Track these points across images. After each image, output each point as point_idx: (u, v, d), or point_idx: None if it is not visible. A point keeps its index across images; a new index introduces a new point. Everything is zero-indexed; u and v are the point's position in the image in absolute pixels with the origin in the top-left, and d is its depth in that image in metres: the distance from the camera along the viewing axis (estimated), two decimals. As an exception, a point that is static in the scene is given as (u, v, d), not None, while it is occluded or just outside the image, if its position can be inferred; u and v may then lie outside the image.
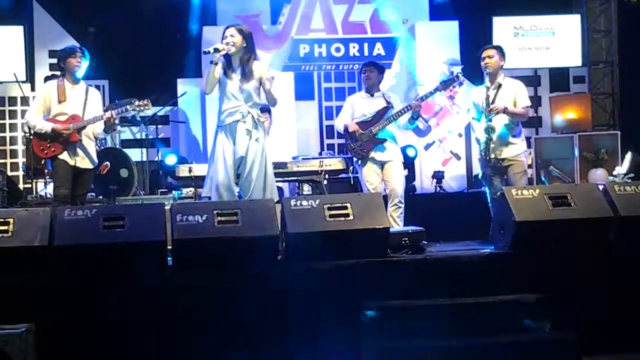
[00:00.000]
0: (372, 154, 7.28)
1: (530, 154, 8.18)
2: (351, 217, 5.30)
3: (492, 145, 6.97)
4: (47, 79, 9.53)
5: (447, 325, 4.95)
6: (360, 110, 7.43)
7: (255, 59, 6.33)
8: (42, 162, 7.39)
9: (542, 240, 5.33)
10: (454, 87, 7.79)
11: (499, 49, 7.22)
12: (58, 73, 7.20)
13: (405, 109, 7.27)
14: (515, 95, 7.09)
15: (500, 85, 7.08)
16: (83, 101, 6.75)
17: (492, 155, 6.99)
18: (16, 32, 10.18)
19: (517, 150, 7.07)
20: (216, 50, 6.15)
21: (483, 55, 7.13)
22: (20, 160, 10.28)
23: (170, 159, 9.59)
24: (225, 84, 6.23)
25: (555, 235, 5.34)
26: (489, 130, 6.94)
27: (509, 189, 5.60)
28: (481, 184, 10.02)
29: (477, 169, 10.44)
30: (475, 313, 5.02)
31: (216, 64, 6.17)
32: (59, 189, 6.62)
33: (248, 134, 6.19)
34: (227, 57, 6.25)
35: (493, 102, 6.99)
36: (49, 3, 10.58)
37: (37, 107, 6.74)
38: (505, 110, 6.93)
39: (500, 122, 6.99)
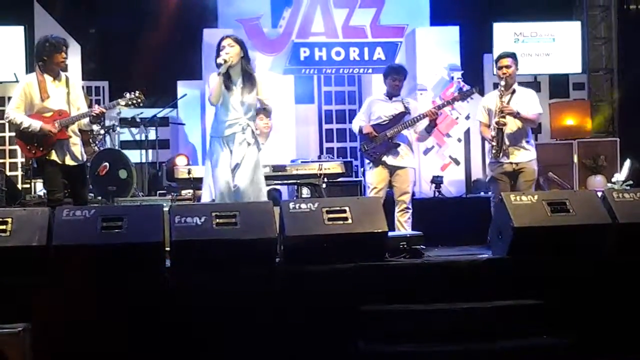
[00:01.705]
0: (385, 158, 7.25)
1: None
2: (350, 221, 5.31)
3: (504, 147, 6.97)
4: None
5: (444, 330, 4.95)
6: (377, 113, 7.39)
7: (252, 67, 6.34)
8: (30, 161, 7.18)
9: (541, 246, 5.33)
10: (472, 98, 7.76)
11: (514, 56, 7.20)
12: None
13: (421, 117, 7.26)
14: (528, 102, 7.10)
15: (514, 91, 7.10)
16: (66, 94, 6.44)
17: (505, 158, 6.99)
18: (17, 33, 10.18)
19: (530, 156, 7.08)
20: (224, 61, 6.08)
21: (500, 65, 7.11)
22: (19, 160, 10.27)
23: (181, 160, 9.57)
24: (226, 96, 6.18)
25: (553, 241, 5.34)
26: (500, 125, 6.93)
27: (508, 194, 5.60)
28: (480, 190, 10.08)
29: (476, 174, 10.53)
30: (473, 318, 5.01)
31: (223, 75, 6.11)
32: (53, 193, 6.37)
33: (247, 145, 6.16)
34: (227, 69, 6.20)
35: (508, 103, 7.02)
36: (50, 3, 10.59)
37: (18, 103, 6.35)
38: (517, 114, 6.95)
39: (511, 124, 7.00)
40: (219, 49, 6.20)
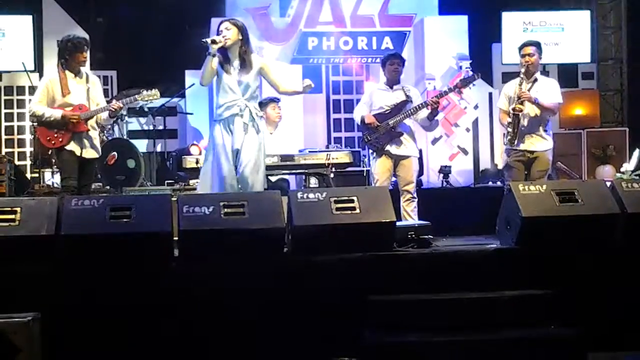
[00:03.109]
0: (388, 147, 7.23)
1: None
2: (358, 211, 5.30)
3: (521, 133, 6.96)
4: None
5: (452, 320, 4.95)
6: (378, 102, 7.36)
7: (251, 51, 6.38)
8: (49, 152, 7.38)
9: (549, 236, 5.32)
10: (473, 85, 7.76)
11: (538, 45, 7.20)
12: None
13: (422, 105, 7.24)
14: (548, 91, 7.09)
15: (536, 80, 7.12)
16: (86, 90, 6.68)
17: (521, 145, 6.99)
18: (25, 22, 10.17)
19: (546, 146, 7.09)
20: (213, 42, 6.16)
21: (523, 53, 7.13)
22: (28, 149, 10.30)
23: (195, 149, 9.58)
24: (222, 78, 6.25)
25: (561, 231, 5.33)
26: (516, 111, 6.93)
27: (516, 184, 5.59)
28: (488, 179, 10.06)
29: (484, 164, 10.52)
30: (481, 308, 5.01)
31: (213, 55, 6.17)
32: (67, 180, 6.59)
33: (245, 128, 6.21)
34: (224, 51, 6.25)
35: (529, 91, 7.03)
36: (58, -7, 10.60)
37: (41, 98, 6.64)
38: (535, 101, 6.95)
39: (529, 111, 7.00)
40: (217, 32, 6.27)
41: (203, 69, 6.27)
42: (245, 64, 6.26)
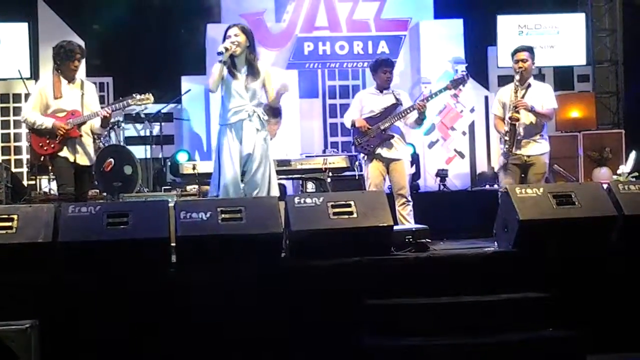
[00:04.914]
0: (379, 151, 7.25)
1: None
2: (355, 215, 5.30)
3: (517, 139, 6.96)
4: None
5: (450, 323, 4.95)
6: (368, 107, 7.39)
7: (258, 58, 6.38)
8: (42, 158, 7.33)
9: (546, 239, 5.32)
10: (463, 86, 7.75)
11: (531, 50, 7.18)
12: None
13: (411, 108, 7.26)
14: (543, 97, 7.09)
15: (529, 86, 7.10)
16: (80, 96, 6.62)
17: (518, 151, 6.99)
18: (21, 29, 10.21)
19: (542, 150, 7.07)
20: (226, 49, 6.15)
21: (516, 59, 7.09)
22: (25, 156, 10.29)
23: (182, 157, 9.59)
24: (230, 83, 6.23)
25: (559, 233, 5.33)
26: (513, 120, 6.93)
27: (513, 187, 5.59)
28: (484, 183, 10.08)
29: (481, 167, 10.54)
30: (478, 311, 5.01)
31: (225, 63, 6.17)
32: (64, 187, 6.56)
33: (256, 132, 6.21)
34: (232, 57, 6.25)
35: (523, 98, 7.02)
36: (54, 0, 10.59)
37: (34, 104, 6.61)
38: (532, 109, 6.94)
39: (525, 119, 7.00)
40: (225, 37, 6.25)
41: (212, 75, 6.23)
42: (253, 70, 6.26)
